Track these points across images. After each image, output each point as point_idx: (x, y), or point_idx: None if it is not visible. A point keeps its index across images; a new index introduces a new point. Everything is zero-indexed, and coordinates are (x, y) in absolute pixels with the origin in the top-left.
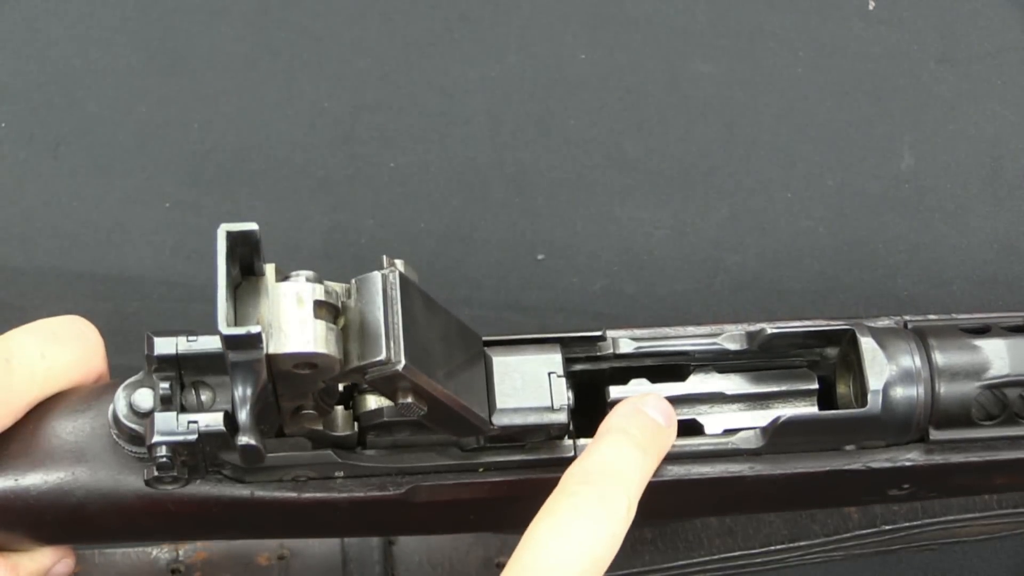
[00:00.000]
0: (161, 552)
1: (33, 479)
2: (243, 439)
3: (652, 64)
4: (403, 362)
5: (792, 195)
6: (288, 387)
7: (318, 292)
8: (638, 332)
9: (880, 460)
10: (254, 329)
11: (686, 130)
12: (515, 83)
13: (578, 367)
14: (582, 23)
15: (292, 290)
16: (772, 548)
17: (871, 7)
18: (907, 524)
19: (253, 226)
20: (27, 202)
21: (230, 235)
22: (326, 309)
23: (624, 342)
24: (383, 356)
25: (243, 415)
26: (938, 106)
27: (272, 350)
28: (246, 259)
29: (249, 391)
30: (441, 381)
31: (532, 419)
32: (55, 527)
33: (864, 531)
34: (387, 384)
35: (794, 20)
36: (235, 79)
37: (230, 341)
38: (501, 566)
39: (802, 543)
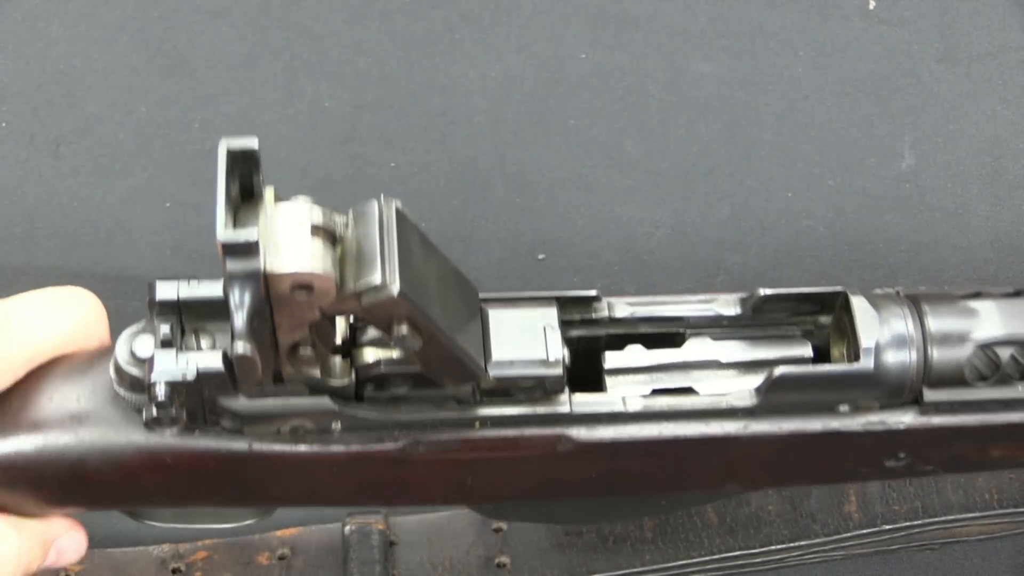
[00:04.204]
0: (161, 551)
1: (34, 436)
2: (239, 346)
3: (653, 64)
4: (398, 285)
5: (793, 195)
6: (285, 315)
7: (316, 214)
8: (634, 298)
9: (874, 421)
10: (251, 235)
11: (687, 130)
12: (515, 83)
13: (575, 333)
14: (582, 23)
15: (291, 211)
16: (772, 548)
17: (871, 7)
18: (907, 524)
19: (254, 142)
20: (27, 202)
21: (231, 151)
22: (324, 232)
23: (620, 306)
24: (378, 280)
25: (239, 321)
26: (939, 106)
27: (269, 268)
28: (246, 179)
29: (247, 299)
30: (437, 316)
31: (528, 371)
32: (56, 486)
33: (864, 531)
34: (382, 311)
35: (795, 20)
36: (236, 79)
37: (227, 248)
38: (502, 566)
39: (802, 543)
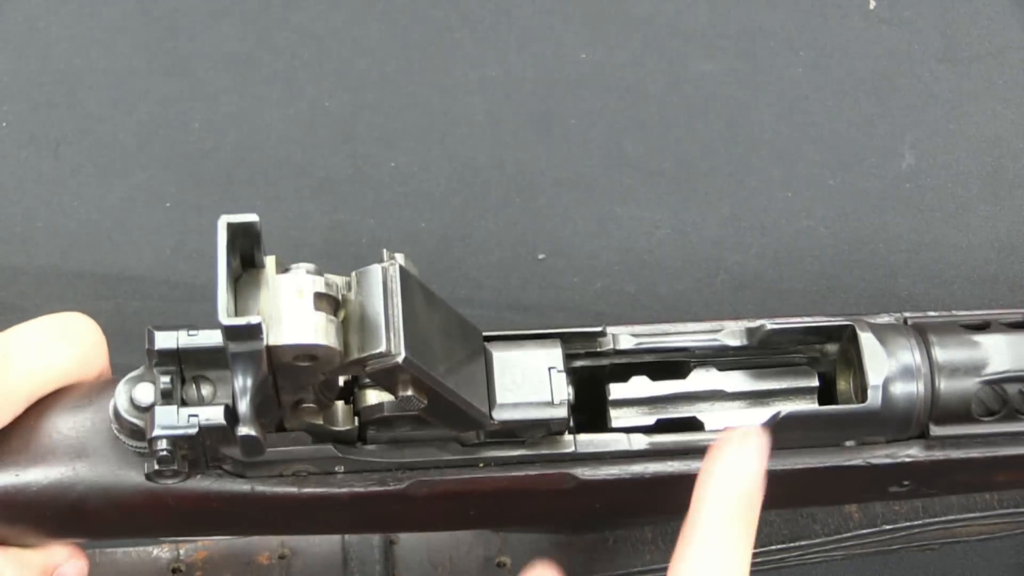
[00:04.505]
0: (162, 551)
1: (34, 474)
2: (243, 430)
3: (653, 64)
4: (403, 354)
5: (793, 194)
6: (288, 380)
7: (318, 284)
8: (638, 328)
9: (880, 456)
10: (254, 320)
11: (687, 130)
12: (515, 83)
13: (578, 363)
14: (583, 23)
15: (292, 282)
16: (772, 548)
17: (872, 7)
18: (907, 524)
19: (254, 217)
20: (28, 202)
21: (231, 226)
22: (326, 301)
23: (624, 338)
24: (383, 348)
25: (243, 406)
26: (939, 106)
27: (272, 342)
28: (247, 251)
29: (249, 382)
30: (441, 375)
31: (532, 414)
32: (56, 522)
33: (864, 531)
34: (387, 377)
35: (795, 20)
36: (236, 79)
37: (230, 332)
38: (502, 565)
39: (802, 543)
